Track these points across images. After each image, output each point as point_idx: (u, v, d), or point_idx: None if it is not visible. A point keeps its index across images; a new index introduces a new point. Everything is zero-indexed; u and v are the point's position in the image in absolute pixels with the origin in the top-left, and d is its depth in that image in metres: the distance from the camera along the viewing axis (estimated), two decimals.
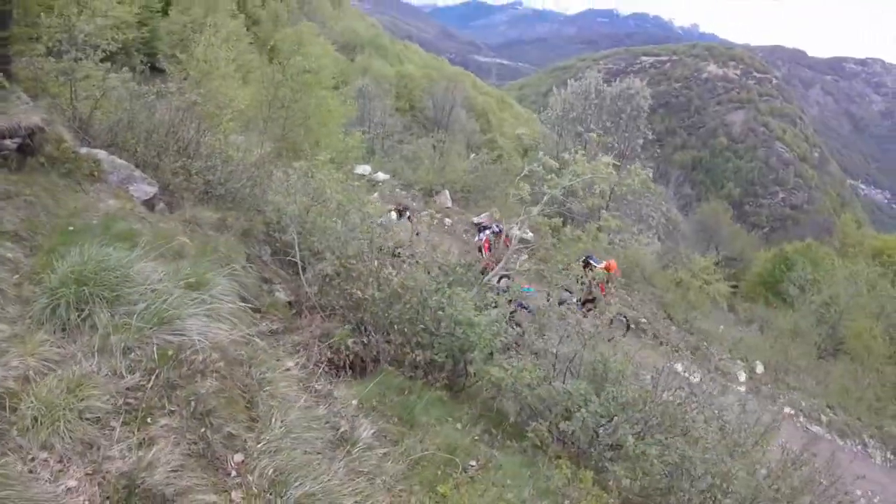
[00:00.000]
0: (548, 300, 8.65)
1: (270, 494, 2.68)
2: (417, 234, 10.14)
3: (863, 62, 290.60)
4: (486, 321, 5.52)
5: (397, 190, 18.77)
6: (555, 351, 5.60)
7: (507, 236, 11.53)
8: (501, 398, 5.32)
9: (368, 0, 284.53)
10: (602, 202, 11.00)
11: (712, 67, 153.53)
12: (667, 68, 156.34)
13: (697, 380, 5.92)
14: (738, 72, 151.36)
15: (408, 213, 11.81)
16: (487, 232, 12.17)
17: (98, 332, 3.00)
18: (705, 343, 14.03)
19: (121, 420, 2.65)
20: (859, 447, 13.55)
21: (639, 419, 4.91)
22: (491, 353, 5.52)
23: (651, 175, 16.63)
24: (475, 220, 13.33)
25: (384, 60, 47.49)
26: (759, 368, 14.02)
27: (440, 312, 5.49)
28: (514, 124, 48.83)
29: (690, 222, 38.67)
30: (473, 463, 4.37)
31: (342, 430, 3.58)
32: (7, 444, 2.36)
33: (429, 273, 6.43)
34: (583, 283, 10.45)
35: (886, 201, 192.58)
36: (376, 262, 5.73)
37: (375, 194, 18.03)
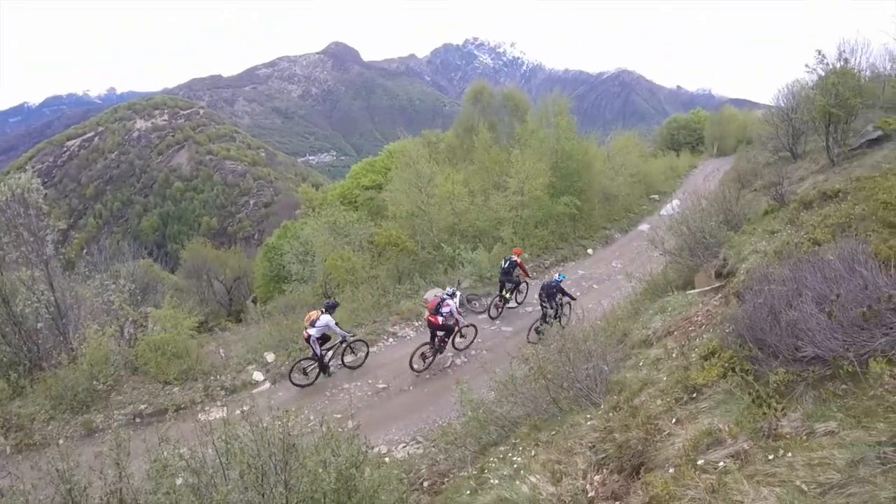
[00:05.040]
0: None
1: None
2: None
3: (272, 64, 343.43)
4: None
5: None
6: None
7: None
8: None
9: None
10: None
11: (140, 123, 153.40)
12: (97, 143, 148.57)
13: None
14: (166, 116, 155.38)
15: None
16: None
17: None
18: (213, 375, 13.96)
19: None
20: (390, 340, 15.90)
21: None
22: None
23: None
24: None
25: None
26: (270, 357, 14.67)
27: None
28: None
29: (183, 274, 38.38)
30: None
31: None
32: None
33: None
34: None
35: (334, 157, 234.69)
36: None
37: None
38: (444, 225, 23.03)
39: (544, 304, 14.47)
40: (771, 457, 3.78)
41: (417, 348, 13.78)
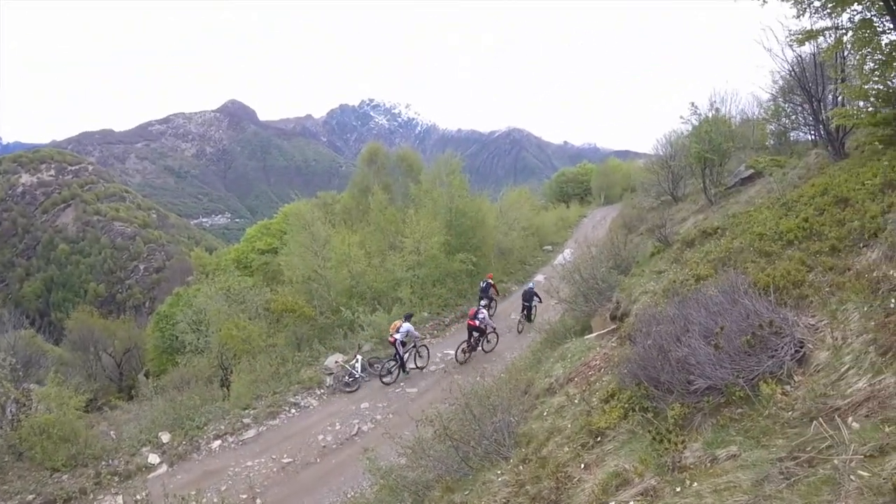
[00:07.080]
0: None
1: None
2: None
3: (166, 120, 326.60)
4: None
5: None
6: None
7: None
8: None
9: None
10: None
11: (26, 177, 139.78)
12: None
13: None
14: (53, 171, 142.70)
15: None
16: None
17: None
18: None
19: None
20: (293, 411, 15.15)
21: None
22: None
23: None
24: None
25: None
26: (166, 437, 13.52)
27: None
28: None
29: (68, 346, 35.26)
30: None
31: None
32: None
33: None
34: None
35: (229, 220, 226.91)
36: None
37: None
38: (342, 288, 22.77)
39: (525, 304, 20.33)
40: (678, 489, 3.82)
41: (459, 345, 17.68)
